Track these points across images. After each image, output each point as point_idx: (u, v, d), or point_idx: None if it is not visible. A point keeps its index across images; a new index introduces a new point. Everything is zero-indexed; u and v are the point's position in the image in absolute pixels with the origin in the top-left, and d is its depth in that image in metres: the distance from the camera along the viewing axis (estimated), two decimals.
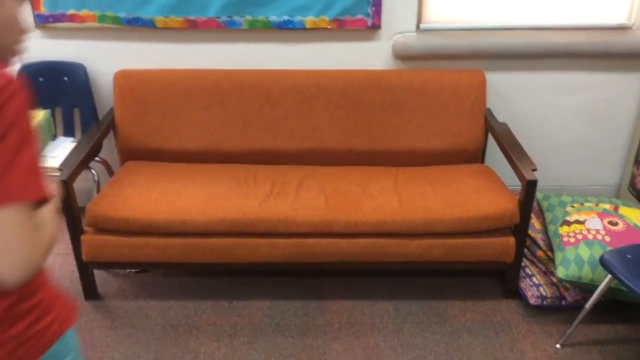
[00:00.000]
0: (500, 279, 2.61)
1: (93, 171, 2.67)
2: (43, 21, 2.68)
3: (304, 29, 2.71)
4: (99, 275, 2.59)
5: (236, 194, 2.43)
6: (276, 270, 2.34)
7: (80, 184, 2.42)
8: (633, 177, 3.01)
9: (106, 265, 2.46)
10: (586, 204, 2.58)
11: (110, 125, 2.71)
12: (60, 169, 2.31)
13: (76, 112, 2.83)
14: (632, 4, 2.79)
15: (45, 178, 0.97)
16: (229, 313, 2.43)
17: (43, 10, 2.65)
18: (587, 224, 2.41)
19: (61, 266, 2.70)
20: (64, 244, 2.84)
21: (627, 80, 2.91)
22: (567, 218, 2.50)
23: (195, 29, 2.71)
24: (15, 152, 0.92)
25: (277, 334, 2.30)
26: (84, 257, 2.36)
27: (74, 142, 2.78)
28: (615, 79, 2.91)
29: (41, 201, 0.98)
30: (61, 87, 2.78)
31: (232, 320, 2.39)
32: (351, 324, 2.35)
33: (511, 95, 2.92)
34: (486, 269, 2.57)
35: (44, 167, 0.98)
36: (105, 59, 2.79)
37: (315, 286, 2.43)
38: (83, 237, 2.33)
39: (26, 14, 2.67)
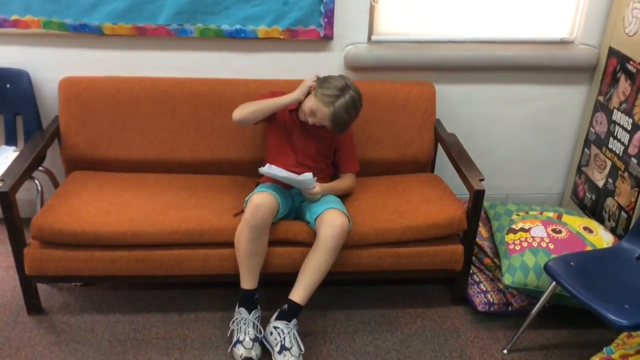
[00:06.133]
0: (449, 287, 2.66)
1: (36, 181, 2.59)
2: None
3: (257, 38, 2.71)
4: (42, 288, 2.50)
5: (190, 204, 2.39)
6: (228, 282, 2.31)
7: (23, 194, 2.34)
8: (575, 186, 3.12)
9: (50, 279, 2.38)
10: (531, 212, 2.65)
11: (55, 134, 2.63)
12: (2, 179, 2.23)
13: (19, 120, 2.73)
14: (575, 19, 2.90)
15: None
16: (179, 326, 2.38)
17: None
18: (532, 232, 2.49)
19: (2, 280, 2.60)
20: (6, 257, 2.74)
21: (570, 93, 3.02)
22: (513, 226, 2.57)
23: (144, 36, 2.67)
24: None
25: (228, 345, 2.27)
26: (26, 271, 2.27)
27: (16, 151, 2.68)
28: (559, 92, 3.01)
29: None
30: (3, 94, 2.68)
31: (182, 333, 2.35)
32: (303, 334, 2.34)
33: (459, 106, 2.99)
34: (435, 276, 2.61)
35: None
36: (50, 66, 2.71)
37: (269, 297, 2.41)
38: (26, 251, 2.25)
39: None
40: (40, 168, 2.63)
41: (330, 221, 2.22)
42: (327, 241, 2.20)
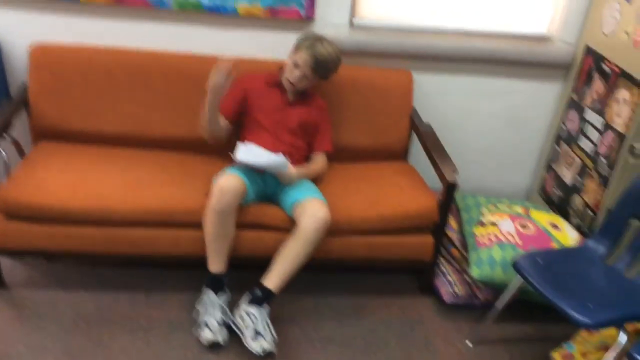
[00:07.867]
0: (417, 276, 2.69)
1: (1, 150, 2.49)
2: None
3: (236, 15, 2.64)
4: (5, 262, 2.43)
5: (161, 182, 2.34)
6: (197, 263, 2.29)
7: None
8: (543, 182, 3.18)
9: (14, 253, 2.32)
10: (499, 206, 2.69)
11: (23, 102, 2.53)
12: None
13: None
14: (554, 16, 2.92)
15: None
16: (145, 306, 2.36)
17: None
18: (501, 226, 2.52)
19: None
20: None
21: (544, 89, 3.05)
22: (482, 219, 2.60)
23: (121, 5, 2.58)
24: None
25: (194, 328, 2.26)
26: None
27: None
28: (534, 87, 3.04)
29: None
30: None
31: (148, 313, 2.32)
32: (271, 319, 2.34)
33: (436, 96, 2.99)
34: (404, 266, 2.63)
35: None
36: (20, 31, 2.59)
37: (237, 280, 2.40)
38: None
39: None
40: (4, 136, 2.53)
41: (313, 212, 2.20)
42: (308, 233, 2.19)
